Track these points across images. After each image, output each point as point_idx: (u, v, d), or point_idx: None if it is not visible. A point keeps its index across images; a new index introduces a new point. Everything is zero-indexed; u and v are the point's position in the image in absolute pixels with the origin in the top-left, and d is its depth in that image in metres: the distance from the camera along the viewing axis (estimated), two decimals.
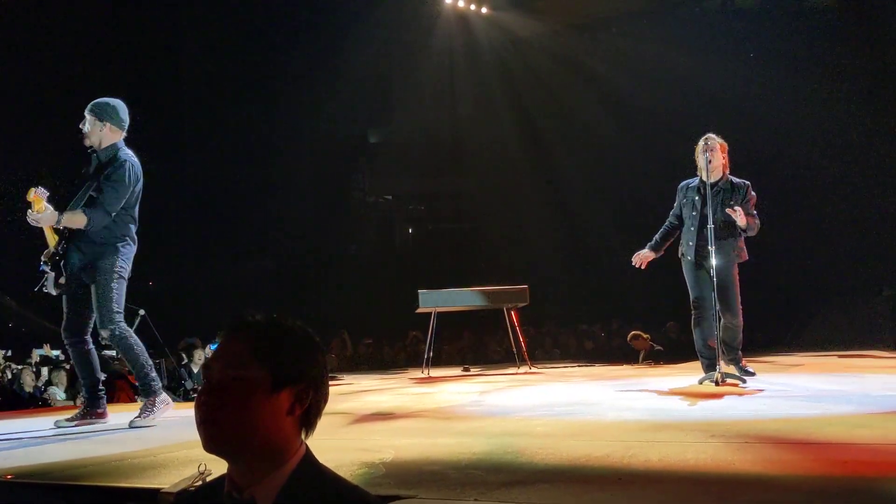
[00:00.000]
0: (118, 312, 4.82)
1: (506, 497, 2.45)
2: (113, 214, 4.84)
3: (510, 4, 15.38)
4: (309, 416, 1.66)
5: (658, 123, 14.31)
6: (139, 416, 4.75)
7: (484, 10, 15.74)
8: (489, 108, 17.03)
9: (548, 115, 16.05)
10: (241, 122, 15.58)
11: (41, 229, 4.92)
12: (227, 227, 15.77)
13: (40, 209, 4.78)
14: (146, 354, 4.97)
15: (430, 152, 16.91)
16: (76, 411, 4.97)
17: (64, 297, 4.92)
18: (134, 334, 4.99)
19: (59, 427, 4.75)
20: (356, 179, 18.35)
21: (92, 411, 4.91)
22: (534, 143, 16.13)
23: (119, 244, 4.90)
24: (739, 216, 5.76)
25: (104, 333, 4.81)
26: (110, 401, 5.84)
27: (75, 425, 4.78)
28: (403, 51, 16.37)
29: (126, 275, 4.93)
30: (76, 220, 4.78)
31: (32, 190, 4.83)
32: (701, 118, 13.47)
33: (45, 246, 4.95)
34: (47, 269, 4.86)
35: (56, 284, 4.87)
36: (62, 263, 4.86)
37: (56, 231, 4.89)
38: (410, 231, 18.62)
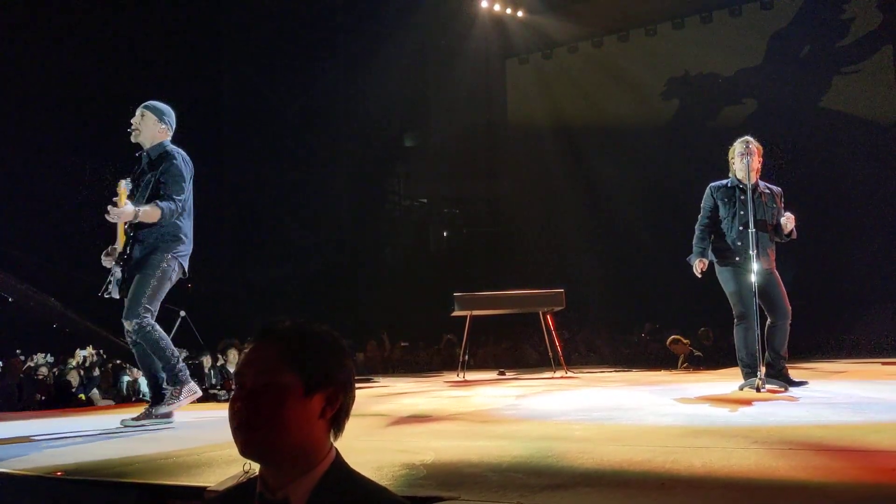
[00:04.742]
0: (147, 309, 4.76)
1: (548, 500, 2.45)
2: (182, 205, 4.85)
3: (546, 8, 15.34)
4: (338, 418, 1.70)
5: (697, 127, 14.18)
6: (164, 403, 4.78)
7: (520, 13, 15.73)
8: (525, 111, 17.00)
9: (584, 118, 15.97)
10: (279, 126, 15.74)
11: (113, 226, 4.91)
12: (265, 230, 15.94)
13: (122, 203, 4.75)
14: (172, 346, 4.92)
15: (465, 156, 16.90)
16: (143, 409, 4.96)
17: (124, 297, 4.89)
18: (159, 328, 4.87)
19: (126, 426, 4.73)
20: (392, 183, 18.40)
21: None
22: (570, 146, 16.05)
23: (172, 241, 4.90)
24: (790, 222, 5.74)
25: (127, 326, 4.75)
26: None
27: (142, 425, 4.76)
28: (439, 54, 16.40)
29: (174, 275, 4.91)
30: (152, 213, 4.75)
31: (123, 182, 4.82)
32: (741, 121, 13.38)
33: (99, 248, 4.96)
34: (118, 269, 4.82)
35: (120, 287, 4.84)
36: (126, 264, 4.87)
37: (125, 231, 4.89)
38: (445, 234, 18.61)
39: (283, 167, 15.67)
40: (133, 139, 5.04)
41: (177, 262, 4.93)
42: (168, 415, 4.86)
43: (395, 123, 17.09)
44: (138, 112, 5.04)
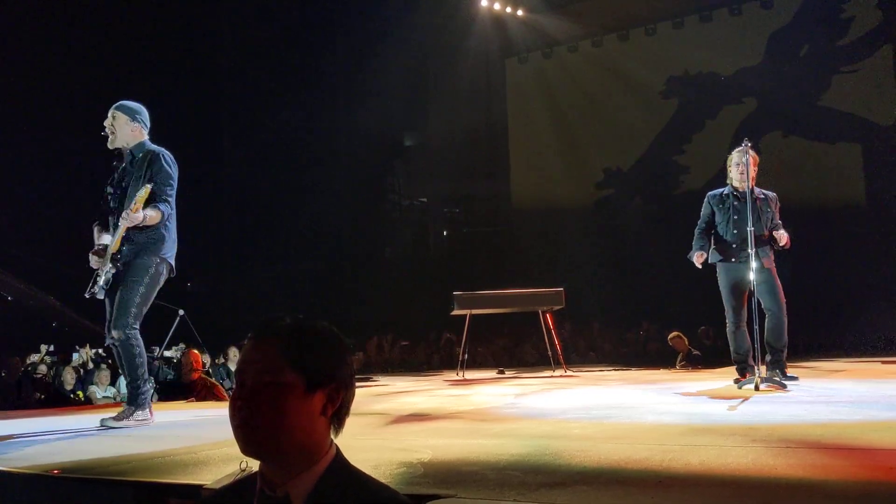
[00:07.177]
0: (137, 318, 4.72)
1: (545, 498, 2.43)
2: (173, 206, 4.82)
3: (546, 7, 15.34)
4: (339, 415, 1.69)
5: (697, 126, 14.15)
6: (114, 418, 4.69)
7: (520, 12, 15.72)
8: (525, 110, 16.99)
9: (584, 117, 15.97)
10: (279, 125, 15.72)
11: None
12: (265, 229, 15.92)
13: (139, 207, 4.60)
14: (146, 366, 4.86)
15: (465, 155, 16.90)
16: (120, 409, 4.90)
17: (107, 297, 4.83)
18: (142, 344, 4.80)
19: (105, 426, 4.69)
20: (391, 182, 18.39)
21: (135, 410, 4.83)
22: (570, 145, 16.05)
23: (160, 242, 4.82)
24: (785, 239, 5.99)
25: (114, 334, 4.69)
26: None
27: (121, 425, 4.71)
28: (439, 53, 16.39)
29: (162, 279, 4.85)
30: (156, 216, 4.71)
31: (148, 185, 4.68)
32: (741, 121, 13.38)
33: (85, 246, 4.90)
34: (110, 270, 4.72)
35: (105, 287, 4.76)
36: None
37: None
38: (445, 234, 18.61)
39: (282, 167, 15.65)
40: (109, 145, 4.96)
41: (165, 264, 4.88)
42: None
43: (394, 122, 17.07)
44: (109, 114, 4.94)
